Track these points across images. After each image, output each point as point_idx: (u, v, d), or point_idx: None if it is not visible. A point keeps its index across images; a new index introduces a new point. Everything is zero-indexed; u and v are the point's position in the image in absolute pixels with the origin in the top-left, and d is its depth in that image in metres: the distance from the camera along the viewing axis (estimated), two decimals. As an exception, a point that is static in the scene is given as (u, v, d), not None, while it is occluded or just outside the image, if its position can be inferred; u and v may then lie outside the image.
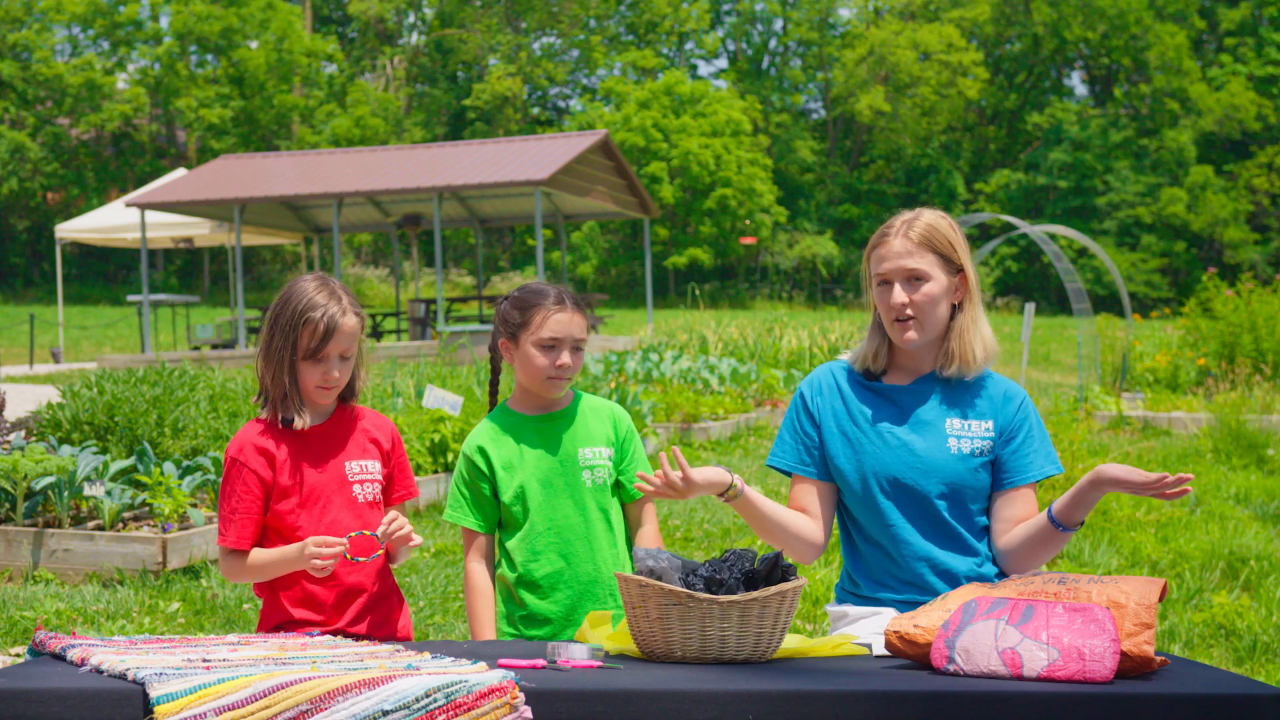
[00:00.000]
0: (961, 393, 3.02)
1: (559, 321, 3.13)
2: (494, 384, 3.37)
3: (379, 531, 2.95)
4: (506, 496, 3.19)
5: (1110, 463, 2.80)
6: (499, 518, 3.24)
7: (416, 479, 6.01)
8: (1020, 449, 2.99)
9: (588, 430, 3.23)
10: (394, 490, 3.19)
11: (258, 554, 3.04)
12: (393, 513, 3.01)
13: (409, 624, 3.22)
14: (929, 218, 2.99)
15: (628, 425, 3.28)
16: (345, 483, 3.09)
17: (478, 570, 3.21)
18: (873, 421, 3.01)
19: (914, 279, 2.94)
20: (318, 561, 2.90)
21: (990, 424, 2.99)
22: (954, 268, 2.98)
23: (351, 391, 3.17)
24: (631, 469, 3.25)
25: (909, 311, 2.94)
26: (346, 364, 3.08)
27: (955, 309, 3.01)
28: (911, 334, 2.95)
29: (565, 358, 3.13)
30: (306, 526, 3.03)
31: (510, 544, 3.21)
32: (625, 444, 3.25)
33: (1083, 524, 2.87)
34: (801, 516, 3.04)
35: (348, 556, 2.95)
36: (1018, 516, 2.99)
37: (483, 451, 3.21)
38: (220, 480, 2.97)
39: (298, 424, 3.06)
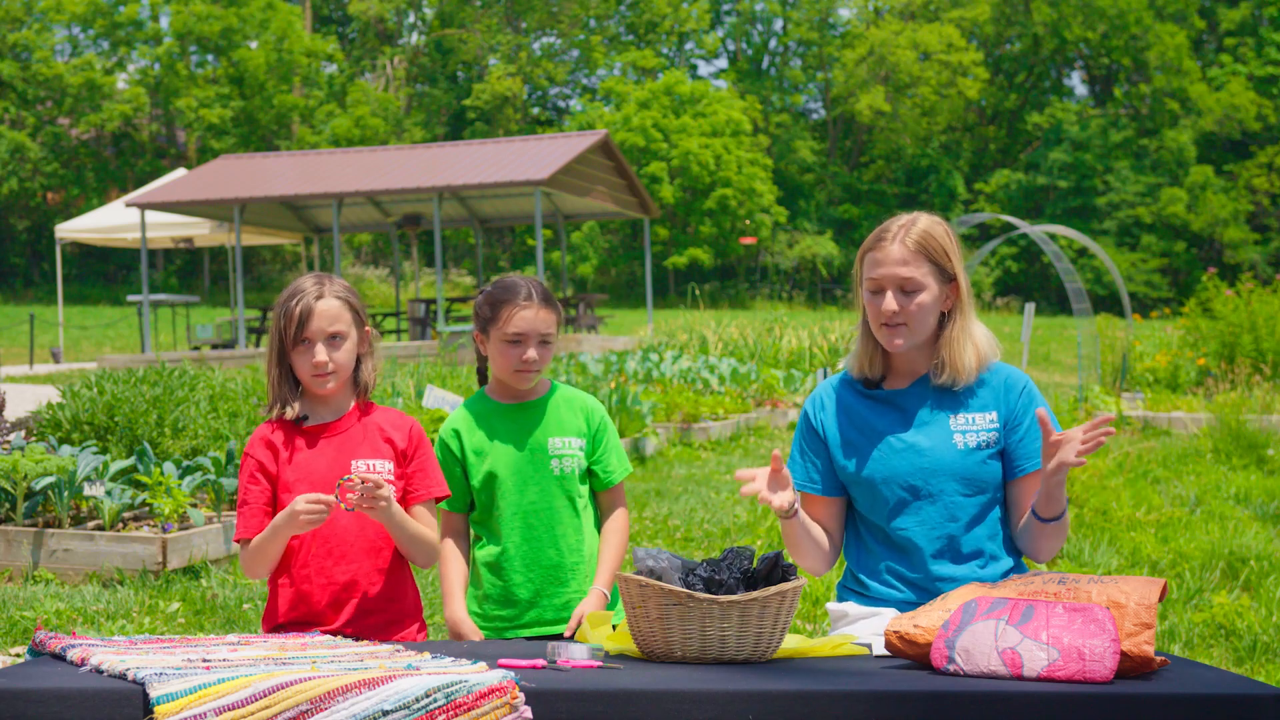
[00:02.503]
0: (961, 387, 3.02)
1: (524, 318, 3.22)
2: (481, 372, 3.46)
3: (355, 482, 2.93)
4: (475, 481, 3.30)
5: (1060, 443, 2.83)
6: (471, 499, 3.35)
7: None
8: (1027, 436, 2.99)
9: (559, 420, 3.33)
10: (415, 489, 3.15)
11: (257, 537, 3.05)
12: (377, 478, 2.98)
13: (423, 636, 3.20)
14: (925, 224, 2.97)
15: (600, 416, 3.39)
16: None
17: (447, 544, 3.34)
18: (877, 428, 3.01)
19: (908, 289, 2.93)
20: (306, 516, 2.90)
21: (994, 415, 2.99)
22: (947, 276, 2.97)
23: (362, 385, 3.17)
24: (604, 459, 3.37)
25: (900, 319, 2.94)
26: (336, 346, 3.07)
27: (945, 316, 3.00)
28: (900, 340, 2.96)
29: (531, 353, 3.23)
30: None
31: (478, 527, 3.34)
32: (598, 435, 3.36)
33: (1064, 510, 2.88)
34: (822, 532, 3.07)
35: (342, 505, 2.93)
36: (1031, 504, 2.99)
37: (456, 435, 3.33)
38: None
39: (291, 414, 3.08)
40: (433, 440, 3.29)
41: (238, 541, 3.10)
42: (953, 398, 3.01)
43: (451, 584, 3.28)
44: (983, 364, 3.01)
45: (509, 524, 3.27)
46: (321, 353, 3.05)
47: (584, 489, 3.35)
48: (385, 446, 3.14)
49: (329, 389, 3.10)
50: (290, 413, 3.08)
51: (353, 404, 3.17)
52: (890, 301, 2.93)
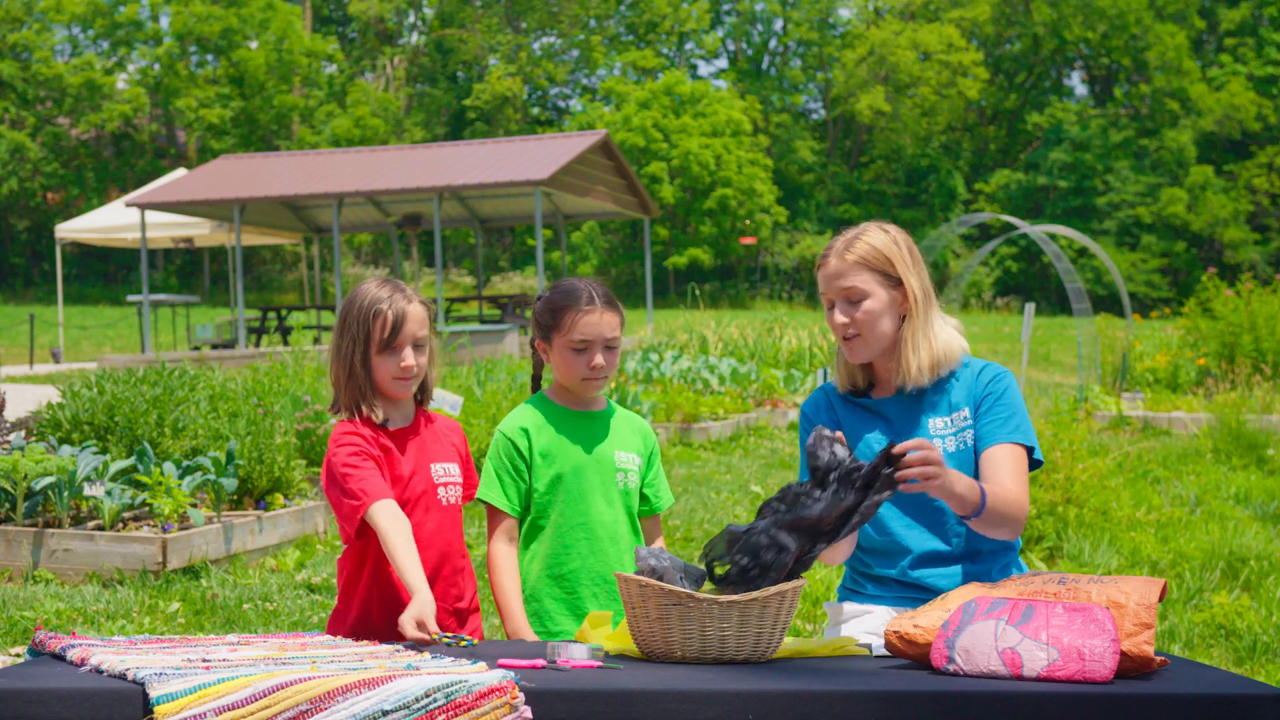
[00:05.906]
0: (941, 390, 3.05)
1: (588, 324, 3.13)
2: (536, 379, 3.39)
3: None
4: (540, 484, 3.18)
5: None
6: (526, 505, 3.23)
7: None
8: (986, 415, 3.00)
9: (623, 436, 3.26)
10: (467, 490, 3.24)
11: (393, 534, 2.85)
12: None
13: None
14: (869, 236, 2.99)
15: (654, 440, 3.35)
16: (432, 485, 3.11)
17: (505, 550, 3.18)
18: (864, 438, 3.04)
19: (852, 299, 2.97)
20: (412, 631, 2.66)
21: (966, 410, 3.02)
22: (894, 281, 2.98)
23: (425, 392, 3.20)
24: (656, 483, 3.30)
25: (852, 330, 2.97)
26: (421, 352, 3.11)
27: (903, 321, 3.01)
28: (855, 350, 3.00)
29: (598, 359, 3.15)
30: None
31: (538, 536, 3.21)
32: (652, 458, 3.30)
33: (976, 509, 2.77)
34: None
35: (444, 639, 2.67)
36: (990, 479, 2.93)
37: (526, 433, 3.20)
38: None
39: (378, 417, 3.08)
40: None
41: (368, 503, 2.90)
42: (931, 401, 3.03)
43: (509, 595, 3.12)
44: (938, 363, 2.99)
45: (574, 534, 3.17)
46: (410, 356, 3.07)
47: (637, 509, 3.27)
48: (452, 450, 3.19)
49: (406, 393, 3.13)
50: (377, 416, 3.07)
51: (415, 408, 3.20)
52: (838, 315, 2.98)
